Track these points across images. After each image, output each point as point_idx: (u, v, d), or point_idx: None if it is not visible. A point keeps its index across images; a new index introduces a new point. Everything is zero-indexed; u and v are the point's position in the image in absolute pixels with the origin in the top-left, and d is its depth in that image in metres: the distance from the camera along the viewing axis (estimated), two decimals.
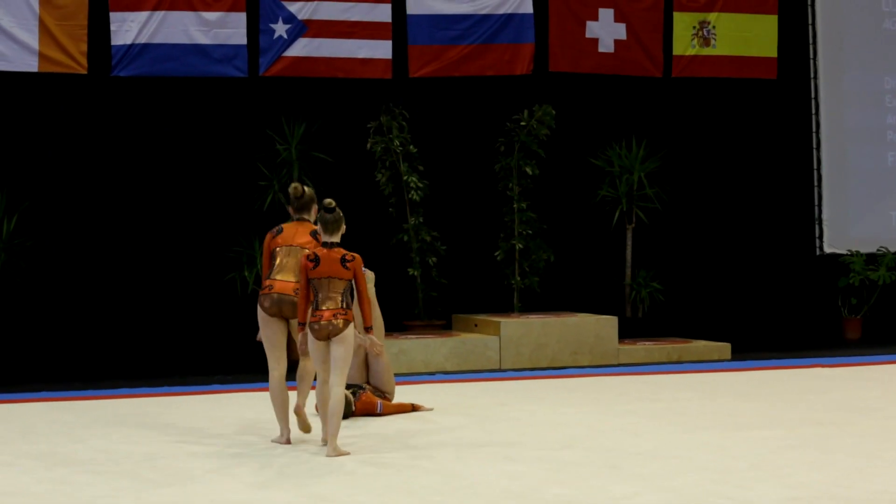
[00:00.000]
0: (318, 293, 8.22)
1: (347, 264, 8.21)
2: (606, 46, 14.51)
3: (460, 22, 14.03)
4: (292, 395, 8.70)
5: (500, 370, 12.66)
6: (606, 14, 14.52)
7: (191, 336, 13.47)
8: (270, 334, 8.47)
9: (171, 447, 8.30)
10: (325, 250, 8.24)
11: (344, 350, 8.19)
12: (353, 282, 8.26)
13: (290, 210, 8.67)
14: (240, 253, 13.47)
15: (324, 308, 8.18)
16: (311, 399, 8.95)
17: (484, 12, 14.07)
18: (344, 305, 8.21)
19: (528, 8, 14.15)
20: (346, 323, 8.18)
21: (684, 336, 14.15)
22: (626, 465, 7.49)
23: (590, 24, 14.47)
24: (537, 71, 14.28)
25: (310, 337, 8.26)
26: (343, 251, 8.24)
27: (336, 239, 8.27)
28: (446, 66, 14.00)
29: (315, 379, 8.65)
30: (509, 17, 14.11)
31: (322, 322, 8.16)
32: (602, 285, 14.67)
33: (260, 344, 8.71)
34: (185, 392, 11.06)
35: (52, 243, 13.23)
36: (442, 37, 13.98)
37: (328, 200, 8.28)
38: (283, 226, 8.57)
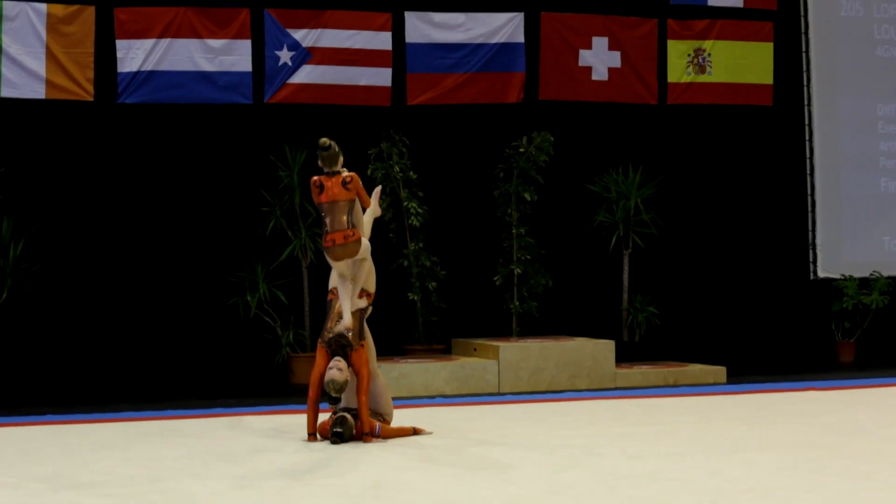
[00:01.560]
0: (326, 218, 9.37)
1: (348, 185, 9.37)
2: (600, 74, 14.66)
3: (456, 51, 14.20)
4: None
5: (498, 394, 12.72)
6: (600, 42, 14.67)
7: (195, 359, 13.57)
8: (339, 270, 9.49)
9: (176, 470, 8.34)
10: (328, 177, 9.40)
11: (358, 267, 9.48)
12: (356, 202, 9.40)
13: (320, 163, 9.50)
14: (242, 278, 13.58)
15: (335, 231, 9.35)
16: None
17: (478, 41, 14.25)
18: (351, 228, 9.35)
19: (520, 38, 14.31)
20: (358, 242, 9.37)
21: (680, 360, 14.22)
22: (623, 487, 7.54)
23: (583, 53, 14.62)
24: (531, 99, 14.42)
25: (328, 258, 9.41)
26: (343, 175, 9.39)
27: (336, 168, 9.42)
28: (442, 93, 14.15)
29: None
30: (502, 47, 14.28)
31: (336, 246, 9.34)
32: (599, 310, 14.77)
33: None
34: (189, 415, 11.10)
35: (59, 268, 13.33)
36: (439, 65, 14.14)
37: (322, 140, 9.45)
38: (322, 180, 9.45)
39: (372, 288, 9.80)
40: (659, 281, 15.04)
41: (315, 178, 9.46)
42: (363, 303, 9.65)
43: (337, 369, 9.26)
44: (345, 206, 9.35)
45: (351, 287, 9.51)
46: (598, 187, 14.76)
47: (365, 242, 9.59)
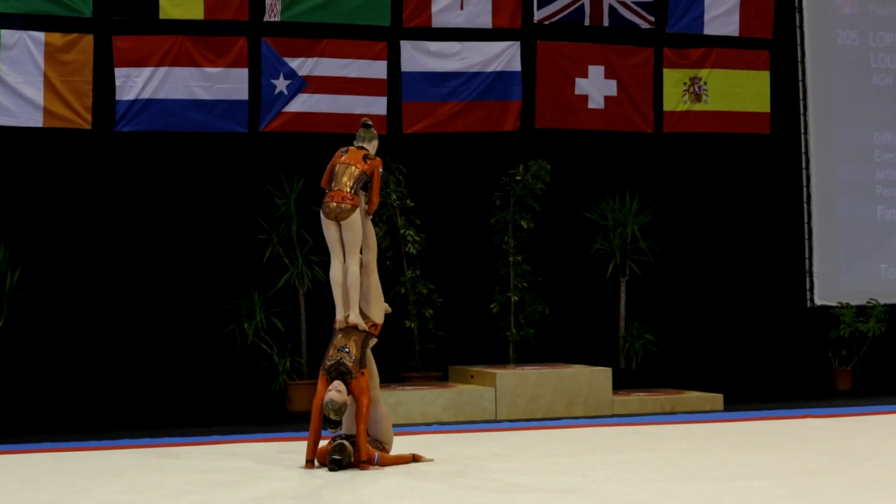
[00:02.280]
0: (334, 179, 9.65)
1: (368, 161, 9.71)
2: (596, 103, 14.69)
3: (452, 79, 14.23)
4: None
5: (495, 421, 12.72)
6: (597, 71, 14.70)
7: (191, 387, 13.57)
8: (332, 236, 9.67)
9: (174, 497, 8.34)
10: (356, 149, 9.81)
11: (352, 234, 9.57)
12: (369, 179, 9.64)
13: (356, 141, 9.95)
14: (239, 305, 13.59)
15: (335, 190, 9.57)
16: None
17: (474, 70, 14.28)
18: (352, 192, 9.55)
19: (516, 66, 14.35)
20: (353, 208, 9.55)
21: (677, 387, 14.21)
22: None
23: (579, 82, 14.65)
24: (528, 127, 14.46)
25: (323, 218, 9.62)
26: (367, 152, 9.77)
27: (367, 146, 9.82)
28: (438, 122, 14.18)
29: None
30: (498, 75, 14.32)
31: (332, 204, 9.54)
32: (596, 337, 14.78)
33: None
34: (186, 443, 11.09)
35: (55, 296, 13.34)
36: (434, 94, 14.17)
37: (366, 118, 10.24)
38: (349, 148, 9.87)
39: (380, 319, 9.80)
40: (656, 308, 15.06)
41: (344, 147, 9.86)
42: (364, 326, 9.66)
43: (336, 391, 9.26)
44: (356, 173, 9.61)
45: (347, 287, 9.66)
46: (594, 215, 14.79)
47: (367, 257, 9.89)
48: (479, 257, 14.51)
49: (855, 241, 15.70)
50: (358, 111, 13.78)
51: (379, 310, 9.80)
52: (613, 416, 13.03)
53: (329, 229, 9.65)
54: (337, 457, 9.24)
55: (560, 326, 14.69)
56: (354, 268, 9.65)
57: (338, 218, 9.56)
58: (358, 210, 9.62)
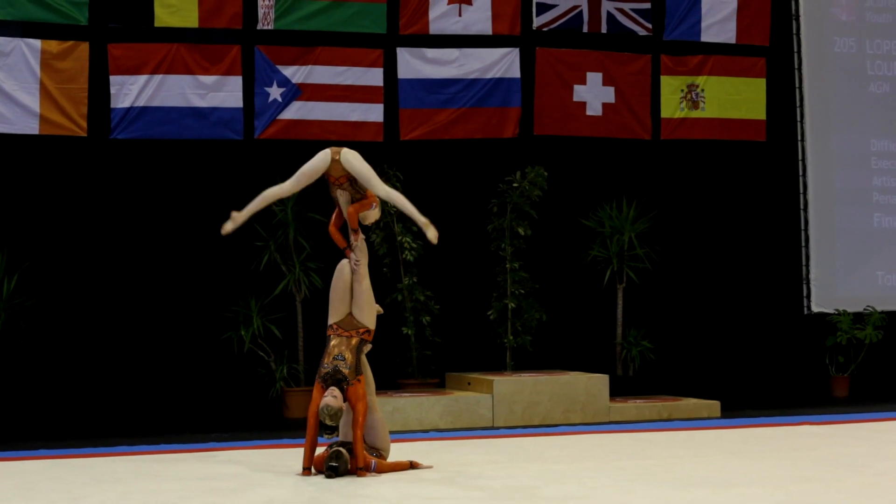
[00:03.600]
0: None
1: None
2: (594, 110, 14.71)
3: (449, 86, 14.24)
4: None
5: (492, 428, 12.72)
6: (594, 78, 14.72)
7: (188, 394, 13.57)
8: (310, 169, 9.94)
9: None
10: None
11: (360, 166, 9.67)
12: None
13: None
14: (236, 312, 13.59)
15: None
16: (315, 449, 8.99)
17: (472, 77, 14.29)
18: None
19: (516, 73, 14.36)
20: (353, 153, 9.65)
21: (674, 394, 14.22)
22: None
23: (577, 88, 14.67)
24: (526, 133, 14.47)
25: (317, 156, 9.71)
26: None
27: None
28: (436, 129, 14.18)
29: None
30: (497, 82, 14.33)
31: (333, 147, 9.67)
32: (593, 344, 14.79)
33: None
34: (183, 449, 11.07)
35: (52, 303, 13.35)
36: (432, 101, 14.18)
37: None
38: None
39: (372, 325, 9.79)
40: (653, 315, 15.06)
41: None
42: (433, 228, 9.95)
43: (332, 396, 9.26)
44: (349, 184, 9.78)
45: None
46: (592, 222, 14.80)
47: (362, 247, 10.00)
48: (476, 264, 14.52)
49: (852, 248, 15.72)
50: (353, 118, 13.81)
51: (372, 316, 9.78)
52: (610, 423, 13.02)
53: (316, 163, 9.84)
54: (334, 464, 9.23)
55: (557, 333, 14.70)
56: (392, 192, 9.92)
57: (337, 153, 9.71)
58: (356, 152, 9.74)
